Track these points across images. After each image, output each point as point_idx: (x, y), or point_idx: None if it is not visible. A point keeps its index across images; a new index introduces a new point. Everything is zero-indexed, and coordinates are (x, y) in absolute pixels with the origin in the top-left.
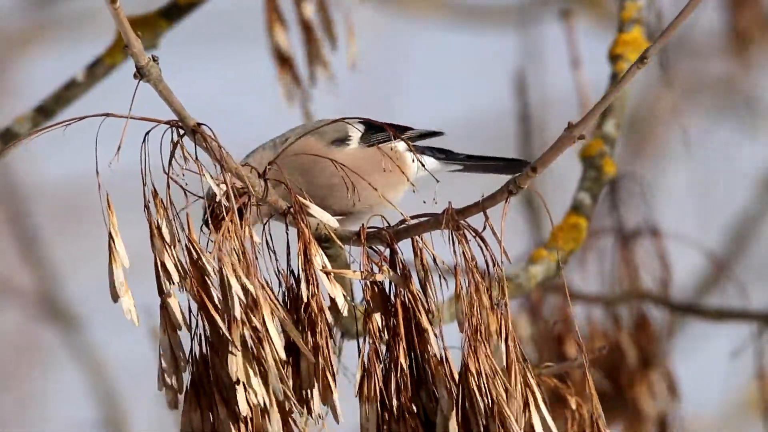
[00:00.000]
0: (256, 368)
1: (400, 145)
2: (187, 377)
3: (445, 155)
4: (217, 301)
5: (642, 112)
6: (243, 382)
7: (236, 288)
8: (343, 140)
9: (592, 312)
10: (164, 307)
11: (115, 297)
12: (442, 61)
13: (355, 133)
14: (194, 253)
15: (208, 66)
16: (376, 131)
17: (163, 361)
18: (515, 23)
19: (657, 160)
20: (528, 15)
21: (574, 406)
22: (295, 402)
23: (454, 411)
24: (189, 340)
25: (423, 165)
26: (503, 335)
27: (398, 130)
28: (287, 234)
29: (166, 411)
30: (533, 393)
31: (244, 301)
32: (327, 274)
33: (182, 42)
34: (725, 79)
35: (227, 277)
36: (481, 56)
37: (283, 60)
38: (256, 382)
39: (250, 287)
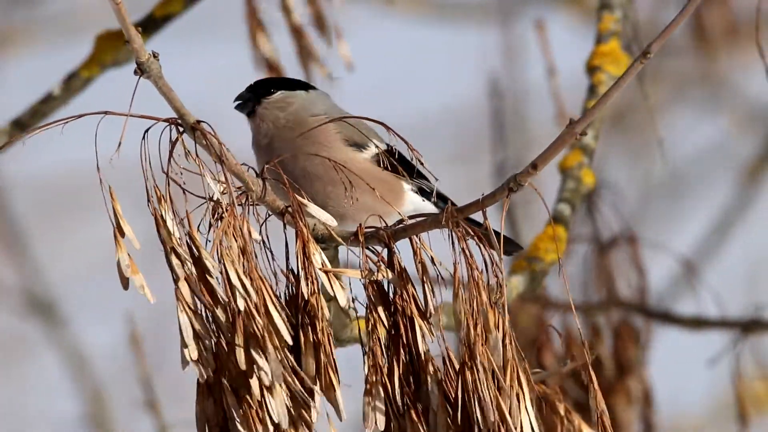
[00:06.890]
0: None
1: (405, 183)
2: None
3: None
4: (219, 296)
5: (623, 114)
6: (255, 369)
7: (237, 282)
8: (360, 146)
9: (569, 320)
10: (179, 290)
11: (124, 281)
12: (422, 57)
13: (373, 148)
14: (195, 249)
15: (189, 60)
16: (392, 155)
17: (185, 339)
18: (496, 18)
19: (638, 161)
20: (509, 10)
21: (562, 412)
22: (298, 384)
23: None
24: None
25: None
26: (501, 333)
27: (410, 167)
28: (285, 233)
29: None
30: (523, 393)
31: (246, 295)
32: (326, 272)
33: (162, 37)
34: (693, 76)
35: (228, 273)
36: (461, 52)
37: (270, 66)
38: (264, 364)
39: (247, 283)
